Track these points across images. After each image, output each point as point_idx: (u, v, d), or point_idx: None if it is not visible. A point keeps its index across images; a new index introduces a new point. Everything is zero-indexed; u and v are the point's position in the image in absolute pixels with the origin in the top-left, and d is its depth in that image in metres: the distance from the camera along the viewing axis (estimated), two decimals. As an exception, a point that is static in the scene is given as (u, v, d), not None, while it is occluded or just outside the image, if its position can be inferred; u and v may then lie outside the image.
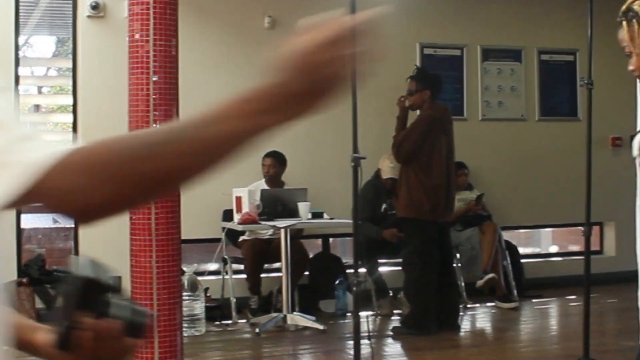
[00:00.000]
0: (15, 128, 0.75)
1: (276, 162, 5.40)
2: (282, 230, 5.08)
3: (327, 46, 0.67)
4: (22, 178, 0.70)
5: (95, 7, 5.47)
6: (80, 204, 0.74)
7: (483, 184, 6.21)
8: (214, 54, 5.84)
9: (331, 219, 5.51)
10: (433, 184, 4.97)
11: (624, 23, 1.93)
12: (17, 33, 5.64)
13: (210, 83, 5.64)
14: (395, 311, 5.65)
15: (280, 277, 5.29)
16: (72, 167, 0.73)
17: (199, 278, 5.24)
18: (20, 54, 6.10)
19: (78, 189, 0.72)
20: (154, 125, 3.88)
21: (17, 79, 5.59)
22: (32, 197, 0.71)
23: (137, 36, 3.85)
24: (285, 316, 5.10)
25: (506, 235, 6.26)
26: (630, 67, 1.94)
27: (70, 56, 5.97)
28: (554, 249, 7.91)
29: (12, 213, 5.46)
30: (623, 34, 1.93)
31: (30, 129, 0.77)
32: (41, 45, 6.53)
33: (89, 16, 5.57)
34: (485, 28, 6.60)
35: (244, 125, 0.72)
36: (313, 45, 0.68)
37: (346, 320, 5.44)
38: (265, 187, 5.41)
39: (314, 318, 5.18)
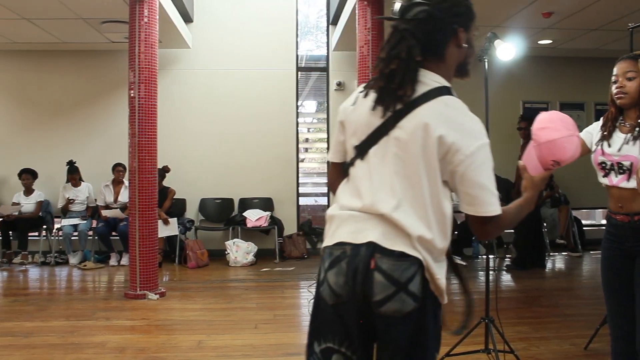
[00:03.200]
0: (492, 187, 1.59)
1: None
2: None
3: (543, 180, 1.87)
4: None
5: (339, 84, 8.08)
6: (486, 237, 1.67)
7: (563, 183, 8.01)
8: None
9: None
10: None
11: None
12: (297, 99, 8.16)
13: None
14: (507, 256, 7.47)
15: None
16: (497, 223, 1.62)
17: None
18: (300, 110, 8.31)
19: (490, 234, 1.66)
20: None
21: (297, 124, 8.13)
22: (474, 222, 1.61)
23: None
24: (443, 256, 7.48)
25: (574, 213, 8.20)
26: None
27: (325, 111, 8.45)
28: (603, 221, 8.73)
29: (294, 195, 8.21)
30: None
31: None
32: (309, 105, 8.74)
33: (335, 89, 8.12)
34: (562, 88, 8.52)
35: (526, 210, 1.77)
36: (540, 179, 1.86)
37: (478, 260, 7.40)
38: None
39: (459, 257, 7.04)
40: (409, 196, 1.58)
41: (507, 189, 7.35)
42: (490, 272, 3.92)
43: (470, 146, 1.53)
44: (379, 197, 1.60)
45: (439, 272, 1.60)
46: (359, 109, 1.69)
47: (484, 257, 5.07)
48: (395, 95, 1.59)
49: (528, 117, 6.85)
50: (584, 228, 8.36)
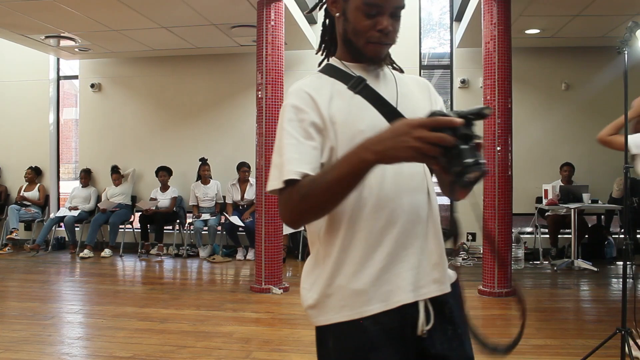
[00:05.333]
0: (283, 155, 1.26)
1: (570, 168, 7.32)
2: (572, 210, 6.59)
3: (410, 135, 1.01)
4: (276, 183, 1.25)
5: (463, 82, 7.87)
6: (285, 222, 1.29)
7: None
8: (530, 107, 7.74)
9: (603, 204, 7.16)
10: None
11: None
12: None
13: (530, 125, 7.66)
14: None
15: (570, 237, 6.73)
16: (285, 196, 1.25)
17: (521, 236, 6.87)
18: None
19: (283, 217, 1.28)
20: (497, 150, 5.18)
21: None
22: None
23: (488, 98, 5.31)
24: (573, 261, 6.63)
25: None
26: None
27: (449, 109, 8.51)
28: None
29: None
30: None
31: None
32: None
33: (459, 87, 7.94)
34: None
35: (347, 167, 1.08)
36: (405, 130, 1.02)
37: (611, 267, 6.86)
38: (561, 184, 7.21)
39: (591, 263, 6.62)
40: None
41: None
42: (628, 280, 3.65)
43: None
44: None
45: (307, 277, 1.52)
46: None
47: (620, 263, 4.71)
48: None
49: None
50: None
